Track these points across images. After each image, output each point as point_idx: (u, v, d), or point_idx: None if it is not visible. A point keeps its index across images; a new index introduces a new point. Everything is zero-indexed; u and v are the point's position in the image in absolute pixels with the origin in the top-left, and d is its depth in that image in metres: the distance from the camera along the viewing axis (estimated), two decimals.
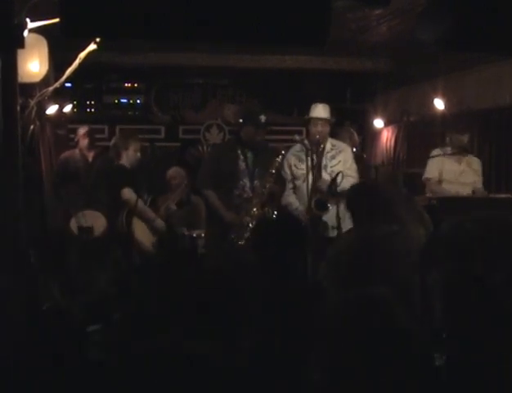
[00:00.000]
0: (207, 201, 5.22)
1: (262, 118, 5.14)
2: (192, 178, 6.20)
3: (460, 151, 5.73)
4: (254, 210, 4.92)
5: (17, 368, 1.74)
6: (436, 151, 5.91)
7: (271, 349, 2.03)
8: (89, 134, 6.50)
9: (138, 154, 5.36)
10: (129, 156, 5.29)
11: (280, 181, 5.16)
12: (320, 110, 5.16)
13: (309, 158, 4.80)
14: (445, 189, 5.75)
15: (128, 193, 5.10)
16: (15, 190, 3.02)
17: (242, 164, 5.09)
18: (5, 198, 2.98)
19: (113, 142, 5.54)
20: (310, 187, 4.74)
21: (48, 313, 2.56)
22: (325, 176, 4.99)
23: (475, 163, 5.84)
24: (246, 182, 5.07)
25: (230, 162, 5.08)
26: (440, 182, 5.84)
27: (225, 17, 3.02)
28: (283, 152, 5.05)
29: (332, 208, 4.74)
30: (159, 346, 1.27)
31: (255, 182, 5.06)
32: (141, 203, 5.18)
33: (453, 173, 5.78)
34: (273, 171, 5.01)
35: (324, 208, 4.78)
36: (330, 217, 4.84)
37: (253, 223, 4.80)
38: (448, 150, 5.79)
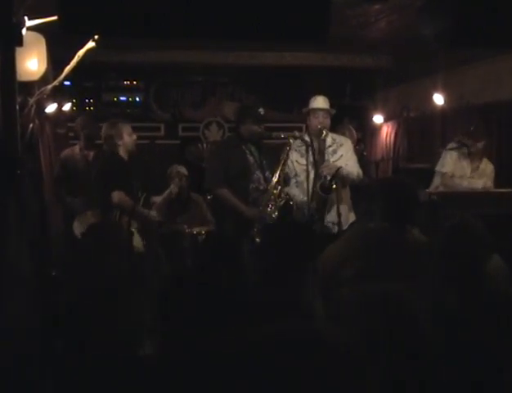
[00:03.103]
0: (222, 200, 5.01)
1: (261, 111, 5.12)
2: (192, 176, 6.19)
3: (475, 156, 5.58)
4: (273, 199, 4.87)
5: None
6: (452, 145, 5.77)
7: None
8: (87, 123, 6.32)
9: (134, 136, 5.07)
10: (126, 143, 5.00)
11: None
12: (320, 101, 5.14)
13: (310, 153, 4.80)
14: (460, 185, 5.59)
15: (117, 196, 4.81)
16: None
17: (251, 158, 5.06)
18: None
19: (104, 135, 5.14)
20: (312, 181, 4.74)
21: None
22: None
23: (488, 169, 5.68)
24: (259, 174, 5.05)
25: (238, 158, 5.03)
26: (452, 178, 5.68)
27: (225, 16, 3.01)
28: (291, 141, 5.00)
29: (334, 193, 4.76)
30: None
31: (266, 173, 5.06)
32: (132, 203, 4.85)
33: (464, 174, 5.64)
34: (283, 158, 4.97)
35: (328, 191, 4.78)
36: (330, 213, 4.85)
37: (276, 214, 4.79)
38: (465, 150, 5.60)
